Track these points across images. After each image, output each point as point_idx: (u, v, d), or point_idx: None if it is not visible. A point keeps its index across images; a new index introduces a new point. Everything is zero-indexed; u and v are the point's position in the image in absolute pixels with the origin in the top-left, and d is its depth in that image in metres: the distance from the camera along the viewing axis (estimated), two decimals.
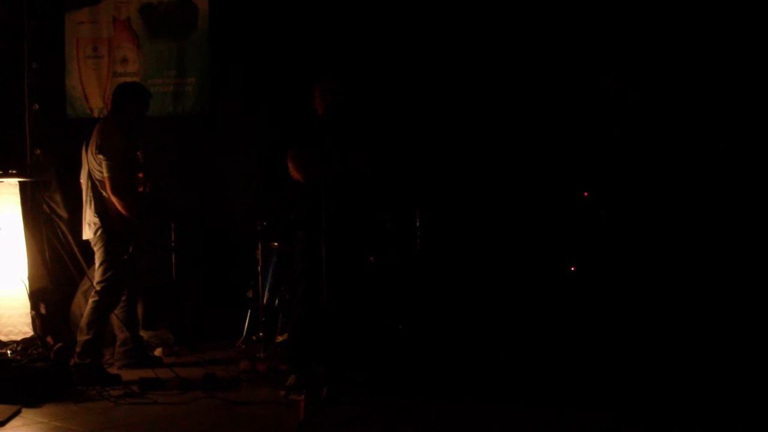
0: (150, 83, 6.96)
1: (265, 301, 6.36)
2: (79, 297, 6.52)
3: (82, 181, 5.83)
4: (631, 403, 4.79)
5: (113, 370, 5.72)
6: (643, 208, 5.76)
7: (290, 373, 5.18)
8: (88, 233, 5.70)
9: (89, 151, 5.66)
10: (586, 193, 6.12)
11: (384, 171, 5.54)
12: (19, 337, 5.76)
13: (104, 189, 5.56)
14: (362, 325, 5.77)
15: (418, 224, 6.28)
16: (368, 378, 5.41)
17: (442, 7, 6.78)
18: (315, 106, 5.30)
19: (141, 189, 5.85)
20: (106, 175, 5.51)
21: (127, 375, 5.55)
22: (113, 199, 5.53)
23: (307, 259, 5.05)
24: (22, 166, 6.50)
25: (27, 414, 4.77)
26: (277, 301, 6.29)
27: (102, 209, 5.60)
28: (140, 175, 5.87)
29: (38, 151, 6.82)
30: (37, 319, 6.03)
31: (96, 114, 7.13)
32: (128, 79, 6.87)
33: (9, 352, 5.32)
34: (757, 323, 5.54)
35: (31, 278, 6.09)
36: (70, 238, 6.77)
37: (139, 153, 5.82)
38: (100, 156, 5.53)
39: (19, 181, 6.12)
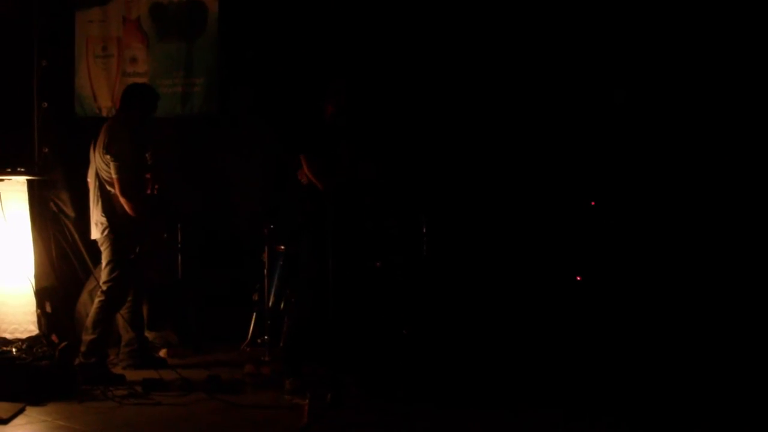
0: (159, 83, 6.96)
1: (270, 304, 6.37)
2: (84, 296, 6.52)
3: (89, 180, 5.83)
4: (636, 410, 4.79)
5: (117, 370, 5.72)
6: (650, 217, 5.77)
7: (286, 376, 5.18)
8: (95, 233, 5.71)
9: (97, 151, 5.66)
10: (593, 203, 6.13)
11: (392, 177, 5.55)
12: (24, 336, 5.75)
13: (112, 188, 5.57)
14: (366, 330, 5.76)
15: (424, 230, 6.27)
16: (372, 382, 5.40)
17: (449, 14, 6.78)
18: (325, 105, 5.28)
19: (149, 191, 5.84)
20: (114, 176, 5.52)
21: (131, 375, 5.55)
22: (121, 199, 5.54)
23: (313, 263, 5.05)
24: (30, 164, 6.50)
25: (31, 412, 4.77)
26: (282, 305, 6.29)
27: (109, 209, 5.61)
28: (148, 176, 5.87)
29: (46, 150, 6.81)
30: (43, 317, 6.02)
31: (104, 113, 7.12)
32: (137, 79, 6.88)
33: (14, 350, 5.32)
34: (763, 330, 5.55)
35: (37, 276, 6.09)
36: (76, 236, 6.77)
37: (147, 155, 5.81)
38: (108, 156, 5.54)
39: (27, 180, 6.12)
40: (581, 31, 6.39)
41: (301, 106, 6.26)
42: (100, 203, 5.64)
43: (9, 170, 6.00)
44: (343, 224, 4.84)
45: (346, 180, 4.93)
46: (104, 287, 5.60)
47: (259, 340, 6.45)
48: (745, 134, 5.92)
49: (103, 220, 5.61)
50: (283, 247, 6.36)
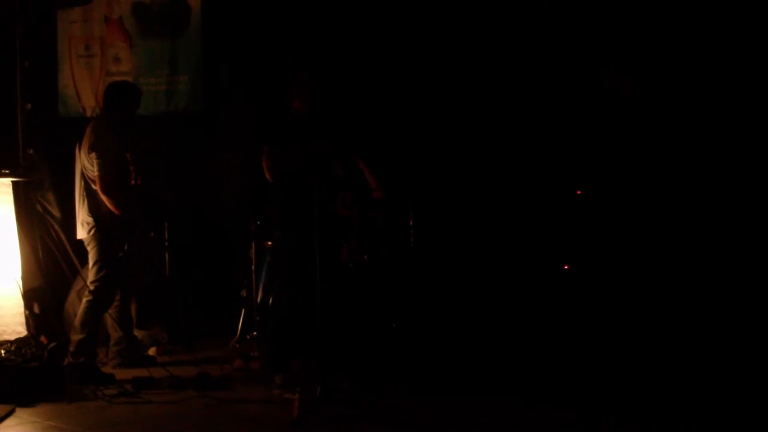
0: (142, 82, 6.96)
1: (258, 299, 6.38)
2: (72, 296, 6.52)
3: (76, 181, 5.82)
4: (622, 399, 4.81)
5: (107, 370, 5.71)
6: (636, 205, 5.79)
7: (274, 373, 5.18)
8: (81, 232, 5.70)
9: (82, 151, 5.65)
10: (579, 192, 6.15)
11: (378, 167, 5.56)
12: (12, 337, 5.75)
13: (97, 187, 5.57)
14: (355, 324, 5.77)
15: (411, 222, 6.29)
16: (361, 376, 5.42)
17: (436, 2, 6.79)
18: (291, 102, 5.29)
19: (132, 182, 5.82)
20: (96, 173, 5.50)
21: (121, 374, 5.54)
22: (104, 197, 5.53)
23: (287, 259, 5.07)
24: (15, 165, 6.48)
25: (21, 413, 4.77)
26: (270, 300, 6.30)
27: (95, 208, 5.60)
28: (131, 168, 5.85)
29: (31, 151, 6.80)
30: (31, 318, 6.01)
31: (89, 113, 7.11)
32: (121, 78, 6.86)
33: (3, 351, 5.32)
34: (752, 319, 5.58)
35: (25, 278, 6.08)
36: (63, 237, 6.76)
37: (128, 155, 5.79)
38: (92, 155, 5.52)
39: (12, 181, 6.11)
40: (565, 16, 6.40)
41: (283, 101, 6.28)
42: (86, 203, 5.63)
43: None
44: (319, 218, 4.83)
45: (301, 171, 4.92)
46: (92, 287, 5.59)
47: (248, 336, 6.47)
48: (733, 124, 5.95)
49: (90, 219, 5.60)
50: (270, 243, 6.37)
